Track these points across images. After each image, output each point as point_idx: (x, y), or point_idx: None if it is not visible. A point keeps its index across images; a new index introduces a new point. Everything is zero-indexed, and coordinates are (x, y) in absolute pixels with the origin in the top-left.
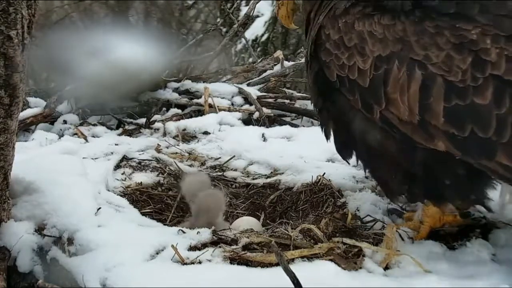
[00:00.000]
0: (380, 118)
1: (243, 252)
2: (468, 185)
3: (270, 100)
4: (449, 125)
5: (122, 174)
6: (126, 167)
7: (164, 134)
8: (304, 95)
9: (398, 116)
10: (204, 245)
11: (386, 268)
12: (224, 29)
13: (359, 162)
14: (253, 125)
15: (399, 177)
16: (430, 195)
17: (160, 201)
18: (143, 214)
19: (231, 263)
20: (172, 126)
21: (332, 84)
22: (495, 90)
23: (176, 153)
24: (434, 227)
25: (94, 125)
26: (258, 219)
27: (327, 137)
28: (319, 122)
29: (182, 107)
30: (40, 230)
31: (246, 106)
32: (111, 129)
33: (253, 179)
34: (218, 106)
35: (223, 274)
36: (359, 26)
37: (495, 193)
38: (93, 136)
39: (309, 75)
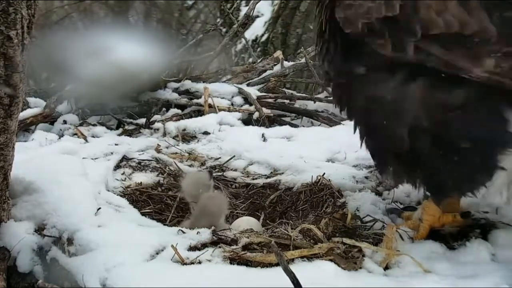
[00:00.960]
0: (415, 53)
1: (243, 252)
2: (475, 161)
3: (270, 100)
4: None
5: (122, 174)
6: (126, 167)
7: (164, 134)
8: (304, 95)
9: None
10: (204, 245)
11: (386, 268)
12: (224, 29)
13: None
14: (253, 125)
15: (402, 162)
16: (430, 182)
17: (160, 201)
18: (143, 214)
19: (231, 263)
20: (172, 126)
21: (355, 43)
22: None
23: (176, 153)
24: (433, 226)
25: (94, 125)
26: (258, 219)
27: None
28: (331, 92)
29: (182, 107)
30: (40, 230)
31: (246, 106)
32: (111, 129)
33: (253, 179)
34: (218, 106)
35: (223, 274)
36: None
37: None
38: (93, 136)
39: (325, 46)
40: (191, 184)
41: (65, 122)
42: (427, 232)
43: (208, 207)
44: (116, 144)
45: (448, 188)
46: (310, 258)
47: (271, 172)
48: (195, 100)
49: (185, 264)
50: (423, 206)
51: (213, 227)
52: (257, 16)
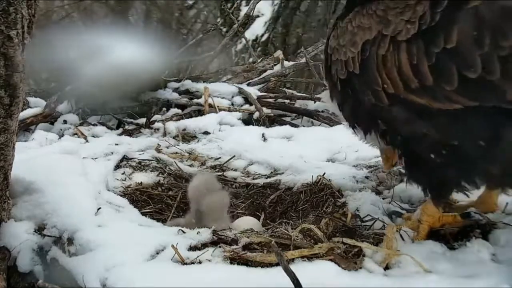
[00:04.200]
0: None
1: (243, 252)
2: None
3: (270, 100)
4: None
5: (122, 174)
6: (126, 167)
7: (164, 134)
8: (304, 95)
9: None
10: (204, 245)
11: (386, 268)
12: (224, 29)
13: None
14: (253, 125)
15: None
16: (430, 183)
17: (160, 201)
18: (143, 214)
19: (231, 263)
20: (172, 126)
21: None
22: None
23: (176, 153)
24: (433, 227)
25: (94, 125)
26: (258, 219)
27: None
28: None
29: (182, 107)
30: (40, 230)
31: (246, 106)
32: (111, 129)
33: (253, 179)
34: (218, 106)
35: (223, 274)
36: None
37: None
38: (93, 136)
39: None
40: (197, 185)
41: (65, 122)
42: (426, 233)
43: (210, 207)
44: (116, 144)
45: (447, 189)
46: (310, 258)
47: (271, 172)
48: (195, 100)
49: (185, 264)
50: (422, 207)
51: (213, 227)
52: (257, 16)
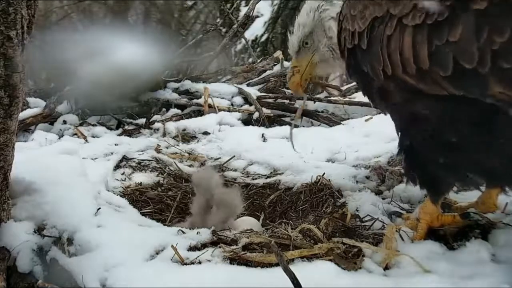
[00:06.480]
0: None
1: (243, 252)
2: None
3: (269, 100)
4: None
5: (122, 174)
6: (126, 167)
7: (164, 134)
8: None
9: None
10: (204, 245)
11: (386, 268)
12: (224, 29)
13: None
14: (252, 125)
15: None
16: (426, 179)
17: (160, 201)
18: (143, 214)
19: (231, 263)
20: (172, 126)
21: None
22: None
23: (176, 153)
24: (432, 226)
25: (94, 125)
26: (258, 219)
27: None
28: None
29: (182, 107)
30: (40, 230)
31: (246, 106)
32: (111, 129)
33: (253, 179)
34: (218, 106)
35: (223, 274)
36: None
37: None
38: (93, 136)
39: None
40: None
41: (65, 122)
42: (425, 231)
43: (224, 200)
44: (116, 144)
45: (441, 185)
46: (310, 258)
47: (271, 172)
48: (195, 100)
49: (185, 264)
50: (421, 205)
51: (213, 227)
52: (257, 16)
